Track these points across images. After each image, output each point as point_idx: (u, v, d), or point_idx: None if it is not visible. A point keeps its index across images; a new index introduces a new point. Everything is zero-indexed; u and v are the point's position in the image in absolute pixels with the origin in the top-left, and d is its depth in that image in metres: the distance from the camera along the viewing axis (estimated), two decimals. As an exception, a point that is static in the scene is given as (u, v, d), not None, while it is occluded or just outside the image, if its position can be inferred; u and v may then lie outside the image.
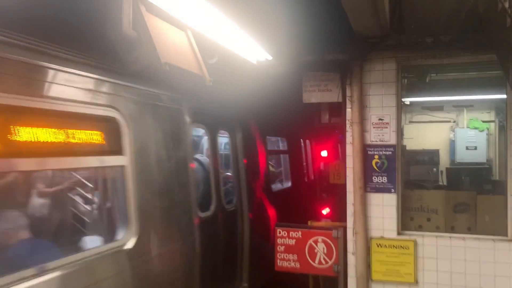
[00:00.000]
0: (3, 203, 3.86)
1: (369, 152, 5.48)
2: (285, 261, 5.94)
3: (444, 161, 11.18)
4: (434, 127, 11.56)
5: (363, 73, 5.48)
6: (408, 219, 5.57)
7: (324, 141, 10.67)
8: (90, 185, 5.26)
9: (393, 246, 5.36)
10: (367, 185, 5.46)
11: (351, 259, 5.52)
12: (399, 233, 5.42)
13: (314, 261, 5.82)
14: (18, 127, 2.79)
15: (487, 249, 5.10)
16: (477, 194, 5.60)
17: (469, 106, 11.20)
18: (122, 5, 3.20)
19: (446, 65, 5.89)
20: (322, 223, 6.64)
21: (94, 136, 3.43)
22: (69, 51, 3.17)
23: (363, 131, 5.46)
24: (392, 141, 5.44)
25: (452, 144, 11.52)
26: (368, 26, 4.82)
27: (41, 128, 2.93)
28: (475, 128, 11.33)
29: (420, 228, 5.53)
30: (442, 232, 5.39)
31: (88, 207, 5.29)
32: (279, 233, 5.98)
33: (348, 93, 5.55)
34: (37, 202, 4.91)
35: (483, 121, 11.38)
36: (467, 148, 11.21)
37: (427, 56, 5.44)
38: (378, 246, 5.40)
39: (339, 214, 6.18)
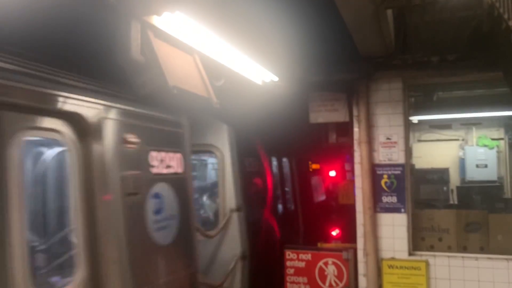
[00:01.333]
0: None
1: (378, 172, 5.45)
2: (295, 284, 5.85)
3: (454, 179, 11.06)
4: (443, 146, 11.48)
5: (369, 93, 5.50)
6: (419, 239, 5.49)
7: (332, 161, 10.63)
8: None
9: (405, 267, 5.27)
10: (376, 205, 5.41)
11: (362, 281, 5.43)
12: (410, 254, 5.34)
13: (324, 284, 5.73)
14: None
15: (501, 269, 4.99)
16: (489, 212, 5.53)
17: (477, 123, 11.14)
18: (131, 31, 3.27)
19: (452, 83, 5.91)
20: (332, 245, 6.56)
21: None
22: None
23: (371, 150, 5.45)
24: (401, 160, 5.41)
25: (461, 162, 11.42)
26: (373, 46, 4.87)
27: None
28: (485, 146, 11.23)
29: (431, 248, 5.45)
30: (454, 252, 5.31)
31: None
32: (288, 255, 5.92)
33: (355, 112, 5.56)
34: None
35: (492, 139, 11.29)
36: (477, 166, 11.10)
37: (433, 75, 5.45)
38: (389, 268, 5.32)
39: (349, 235, 6.11)
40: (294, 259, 5.88)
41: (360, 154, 5.45)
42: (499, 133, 11.29)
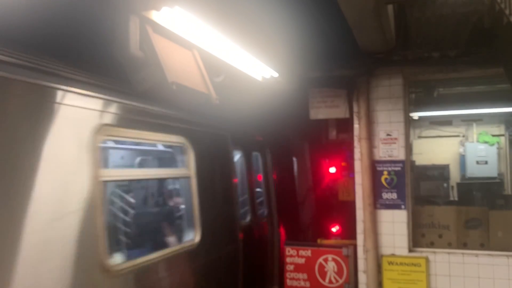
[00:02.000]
0: None
1: (378, 168, 5.44)
2: (295, 281, 5.85)
3: (454, 176, 11.05)
4: (443, 142, 11.47)
5: (370, 89, 5.48)
6: (419, 236, 5.48)
7: (332, 157, 10.61)
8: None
9: (405, 263, 5.26)
10: (376, 202, 5.40)
11: (362, 278, 5.42)
12: (410, 250, 5.33)
13: (324, 280, 5.73)
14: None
15: (501, 265, 4.98)
16: (489, 209, 5.52)
17: (478, 120, 11.13)
18: (129, 26, 3.25)
19: (453, 79, 5.88)
20: (332, 241, 6.56)
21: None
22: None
23: (371, 147, 5.43)
24: (401, 156, 5.39)
25: (462, 158, 11.40)
26: (374, 41, 4.84)
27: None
28: (485, 142, 11.22)
29: (431, 244, 5.44)
30: (455, 249, 5.30)
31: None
32: (288, 251, 5.91)
33: (355, 109, 5.54)
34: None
35: (493, 135, 11.27)
36: (477, 162, 11.09)
37: (434, 71, 5.42)
38: (389, 264, 5.31)
39: (349, 232, 6.10)
40: (294, 255, 5.88)
41: (360, 151, 5.43)
42: (500, 129, 11.27)
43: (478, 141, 11.33)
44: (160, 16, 3.44)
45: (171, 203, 5.94)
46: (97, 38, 3.30)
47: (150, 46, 3.43)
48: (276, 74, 5.49)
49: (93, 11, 3.17)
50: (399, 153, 5.39)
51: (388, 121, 5.44)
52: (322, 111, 5.98)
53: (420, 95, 7.64)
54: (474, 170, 11.04)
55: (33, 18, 2.84)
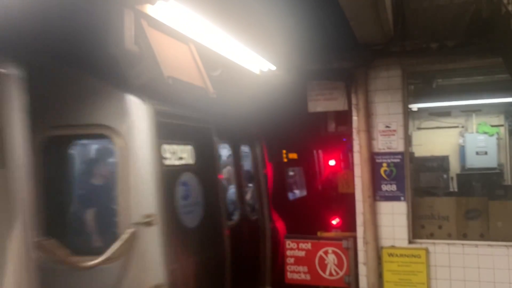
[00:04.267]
0: None
1: (377, 160, 5.43)
2: (295, 273, 5.86)
3: (454, 167, 11.03)
4: (443, 133, 11.44)
5: (368, 81, 5.45)
6: (419, 227, 5.48)
7: (331, 150, 10.61)
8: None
9: (405, 255, 5.27)
10: (376, 194, 5.39)
11: (362, 270, 5.43)
12: (410, 242, 5.33)
13: (324, 273, 5.73)
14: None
15: (501, 255, 4.99)
16: (489, 199, 5.52)
17: (477, 110, 11.09)
18: (124, 21, 3.22)
19: (452, 70, 5.85)
20: (331, 234, 6.56)
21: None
22: None
23: (370, 139, 5.41)
24: (400, 148, 5.38)
25: (461, 149, 11.39)
26: (371, 33, 4.81)
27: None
28: (485, 133, 11.20)
29: (431, 236, 5.44)
30: (454, 240, 5.30)
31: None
32: (289, 245, 5.91)
33: (353, 101, 5.52)
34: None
35: (492, 126, 11.25)
36: (477, 153, 11.07)
37: (433, 62, 5.40)
38: (389, 256, 5.31)
39: (349, 224, 6.10)
40: (294, 248, 5.88)
41: (359, 143, 5.42)
42: (499, 119, 11.24)
43: (477, 132, 11.30)
44: (155, 9, 3.41)
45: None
46: (91, 33, 3.27)
47: (145, 40, 3.41)
48: (273, 67, 5.46)
49: (87, 5, 3.14)
50: (398, 145, 5.38)
51: (386, 113, 5.42)
52: (320, 104, 5.96)
53: (419, 86, 7.60)
54: (473, 161, 11.03)
55: (26, 13, 2.81)
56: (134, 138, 3.89)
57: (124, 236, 3.75)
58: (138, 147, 3.90)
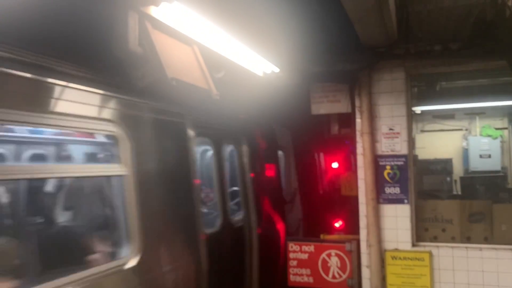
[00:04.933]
0: None
1: (381, 163, 5.41)
2: (298, 276, 5.84)
3: (457, 170, 11.01)
4: (446, 136, 11.42)
5: (371, 83, 5.45)
6: (422, 230, 5.46)
7: (334, 152, 10.59)
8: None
9: (408, 258, 5.25)
10: (379, 196, 5.38)
11: (365, 273, 5.41)
12: (413, 245, 5.31)
13: (327, 275, 5.72)
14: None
15: (505, 259, 4.96)
16: (492, 203, 5.49)
17: (481, 113, 11.06)
18: (128, 22, 3.22)
19: (456, 72, 5.84)
20: (335, 236, 6.54)
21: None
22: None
23: (373, 141, 5.40)
24: (404, 151, 5.37)
25: (465, 152, 11.36)
26: (375, 35, 4.80)
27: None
28: (488, 136, 11.17)
29: (435, 239, 5.42)
30: (458, 243, 5.28)
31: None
32: (291, 247, 5.90)
33: (357, 103, 5.51)
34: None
35: (496, 128, 11.22)
36: (480, 156, 11.04)
37: (436, 64, 5.38)
38: (392, 259, 5.29)
39: (352, 227, 6.08)
40: (297, 251, 5.87)
41: (362, 146, 5.41)
42: (503, 122, 11.22)
43: (481, 135, 11.28)
44: (159, 11, 3.41)
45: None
46: (95, 34, 3.28)
47: (150, 42, 3.41)
48: (277, 69, 5.46)
49: (91, 7, 3.14)
50: (401, 148, 5.37)
51: (390, 115, 5.41)
52: (323, 106, 5.95)
53: (422, 88, 7.60)
54: (477, 164, 10.99)
55: (31, 14, 2.82)
56: None
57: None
58: None
